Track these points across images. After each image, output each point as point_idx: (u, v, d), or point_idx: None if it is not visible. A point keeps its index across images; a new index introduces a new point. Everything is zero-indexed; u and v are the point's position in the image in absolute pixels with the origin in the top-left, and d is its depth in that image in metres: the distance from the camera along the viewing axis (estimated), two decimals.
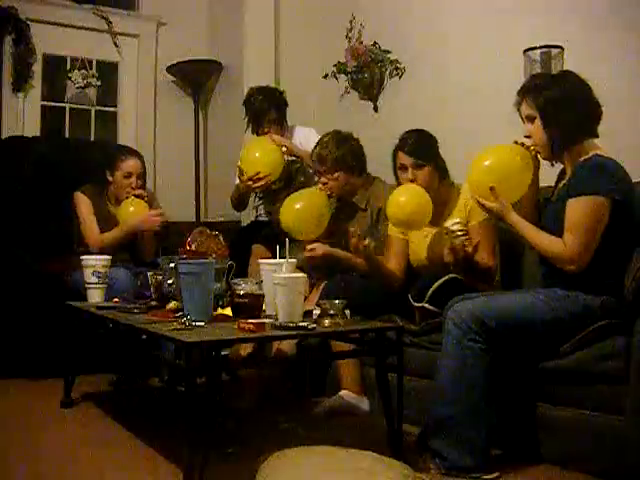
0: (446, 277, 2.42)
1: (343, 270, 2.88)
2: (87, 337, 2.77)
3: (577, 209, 2.04)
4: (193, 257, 2.25)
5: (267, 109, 3.48)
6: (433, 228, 2.67)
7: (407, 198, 2.57)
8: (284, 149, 3.37)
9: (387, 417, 2.07)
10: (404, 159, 2.65)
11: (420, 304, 2.44)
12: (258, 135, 3.52)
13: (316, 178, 3.21)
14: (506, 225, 2.24)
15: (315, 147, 3.09)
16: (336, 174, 3.01)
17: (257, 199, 3.76)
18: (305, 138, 3.58)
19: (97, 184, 3.51)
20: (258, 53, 4.39)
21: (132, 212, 3.37)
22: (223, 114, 4.46)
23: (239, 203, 3.62)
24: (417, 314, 2.50)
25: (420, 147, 2.63)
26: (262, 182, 3.30)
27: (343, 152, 3.00)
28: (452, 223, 2.47)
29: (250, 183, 3.31)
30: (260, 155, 3.32)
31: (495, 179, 2.19)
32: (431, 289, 2.40)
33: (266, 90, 3.60)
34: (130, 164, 3.45)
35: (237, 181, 3.55)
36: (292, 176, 3.55)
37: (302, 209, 2.97)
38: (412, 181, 2.62)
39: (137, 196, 3.41)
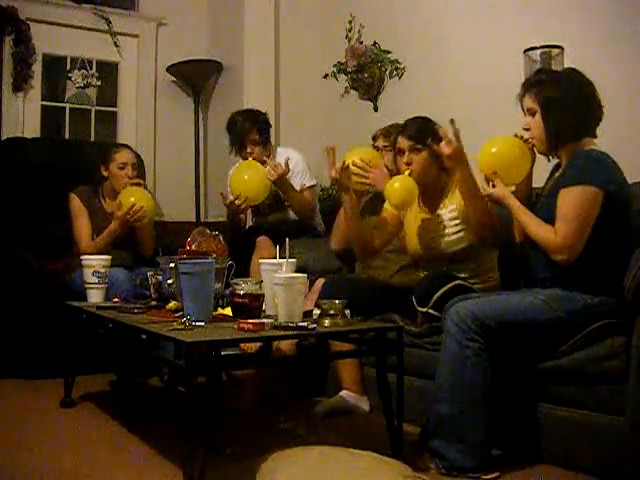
0: (451, 284, 2.41)
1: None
2: (87, 337, 2.77)
3: (569, 199, 2.05)
4: (193, 257, 2.25)
5: (249, 129, 3.47)
6: (428, 215, 2.68)
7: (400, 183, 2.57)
8: (273, 176, 3.33)
9: (387, 417, 2.07)
10: (402, 143, 2.63)
11: (424, 309, 2.43)
12: (242, 157, 3.50)
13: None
14: (505, 209, 2.26)
15: (382, 128, 3.15)
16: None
17: (253, 218, 3.77)
18: (289, 159, 3.53)
19: (91, 184, 3.52)
20: (258, 53, 4.39)
21: (133, 202, 3.29)
22: (223, 114, 4.45)
23: (232, 225, 3.58)
24: (420, 317, 2.50)
25: (419, 132, 2.62)
26: (243, 204, 3.28)
27: None
28: (448, 211, 2.59)
29: (233, 206, 3.31)
30: (248, 178, 3.31)
31: (497, 165, 2.25)
32: (436, 295, 2.39)
33: (248, 112, 3.60)
34: (123, 155, 3.47)
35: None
36: (282, 200, 3.55)
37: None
38: (408, 164, 2.61)
39: (136, 184, 3.41)
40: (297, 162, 3.56)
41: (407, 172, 2.58)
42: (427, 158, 2.61)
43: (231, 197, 3.33)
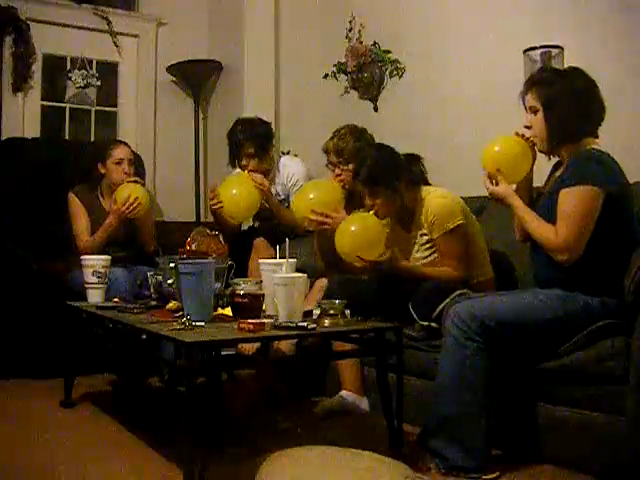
0: (452, 296, 2.38)
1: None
2: (87, 337, 2.77)
3: (570, 199, 2.05)
4: (193, 257, 2.25)
5: (244, 141, 3.37)
6: (402, 234, 2.72)
7: (357, 229, 2.56)
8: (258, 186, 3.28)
9: (387, 417, 2.07)
10: (360, 187, 2.64)
11: (425, 323, 2.42)
12: (240, 168, 3.42)
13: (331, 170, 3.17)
14: (507, 208, 2.26)
15: (331, 138, 3.11)
16: (351, 165, 3.00)
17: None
18: (291, 174, 3.53)
19: (89, 182, 3.55)
20: (258, 53, 4.39)
21: (128, 195, 3.32)
22: (223, 114, 4.47)
23: (214, 221, 3.51)
24: (418, 326, 2.49)
25: (374, 174, 2.59)
26: (216, 205, 3.22)
27: (360, 145, 3.03)
28: (419, 234, 2.62)
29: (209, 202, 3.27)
30: (236, 192, 3.23)
31: (499, 164, 2.24)
32: (438, 309, 2.37)
33: (247, 121, 3.48)
34: (119, 150, 3.50)
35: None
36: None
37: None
38: (373, 206, 2.60)
39: (133, 182, 3.42)
40: (298, 178, 3.52)
41: (371, 212, 2.58)
42: (388, 196, 2.61)
43: (210, 194, 3.28)
